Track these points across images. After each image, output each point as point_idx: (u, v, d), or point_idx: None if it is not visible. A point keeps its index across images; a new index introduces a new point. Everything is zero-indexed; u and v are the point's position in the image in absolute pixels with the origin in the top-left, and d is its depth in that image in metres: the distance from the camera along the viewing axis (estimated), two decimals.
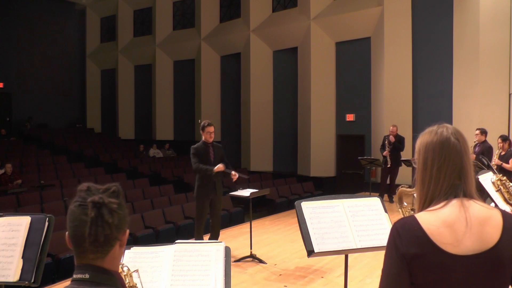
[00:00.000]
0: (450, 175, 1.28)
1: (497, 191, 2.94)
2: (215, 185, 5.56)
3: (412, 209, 2.11)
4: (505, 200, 2.90)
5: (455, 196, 1.27)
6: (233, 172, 5.52)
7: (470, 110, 9.74)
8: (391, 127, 9.43)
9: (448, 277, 1.20)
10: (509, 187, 2.96)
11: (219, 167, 5.39)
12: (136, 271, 1.68)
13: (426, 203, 1.31)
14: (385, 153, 9.36)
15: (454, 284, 1.21)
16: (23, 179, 9.77)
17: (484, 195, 2.94)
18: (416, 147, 1.37)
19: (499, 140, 6.96)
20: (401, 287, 1.23)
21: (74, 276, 1.13)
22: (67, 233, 1.15)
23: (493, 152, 7.18)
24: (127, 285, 1.54)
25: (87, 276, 1.12)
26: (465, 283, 1.21)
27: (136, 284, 1.60)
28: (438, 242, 1.21)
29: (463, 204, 1.26)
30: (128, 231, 1.21)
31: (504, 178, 3.04)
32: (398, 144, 9.29)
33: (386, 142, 9.36)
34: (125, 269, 1.57)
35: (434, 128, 1.35)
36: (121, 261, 1.30)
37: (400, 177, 9.82)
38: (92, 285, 1.11)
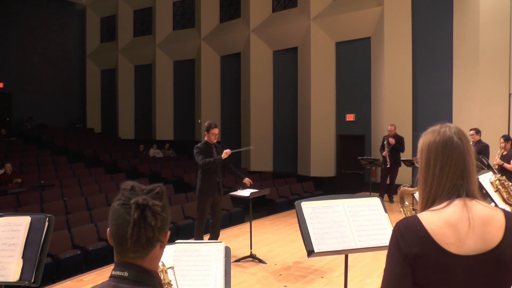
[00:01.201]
0: (453, 175, 1.27)
1: (495, 191, 2.94)
2: (219, 185, 5.57)
3: (414, 209, 2.11)
4: (504, 200, 2.90)
5: (458, 196, 1.27)
6: (246, 179, 5.73)
7: (470, 110, 9.74)
8: (389, 127, 9.44)
9: (450, 277, 1.20)
10: (508, 186, 2.96)
11: (227, 152, 5.41)
12: (172, 268, 1.68)
13: (429, 203, 1.30)
14: (384, 153, 9.36)
15: (457, 284, 1.20)
16: (23, 179, 9.77)
17: (486, 195, 2.94)
18: (418, 147, 1.36)
19: (502, 140, 6.99)
20: (403, 287, 1.22)
21: (113, 273, 1.14)
22: (108, 229, 1.16)
23: (489, 150, 7.26)
24: (162, 281, 1.55)
25: (126, 274, 1.12)
26: (467, 283, 1.21)
27: (170, 280, 1.60)
28: (441, 242, 1.21)
29: (465, 204, 1.25)
30: (169, 232, 1.21)
31: (503, 178, 3.04)
32: (398, 145, 9.30)
33: (385, 142, 9.36)
34: (160, 264, 1.56)
35: (437, 127, 1.34)
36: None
37: (400, 177, 9.82)
38: (131, 284, 1.11)
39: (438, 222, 1.23)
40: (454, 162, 1.28)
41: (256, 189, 6.20)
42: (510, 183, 3.02)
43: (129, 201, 1.13)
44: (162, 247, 1.19)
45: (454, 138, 1.29)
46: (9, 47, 17.06)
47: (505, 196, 2.92)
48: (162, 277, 1.56)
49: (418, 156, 1.37)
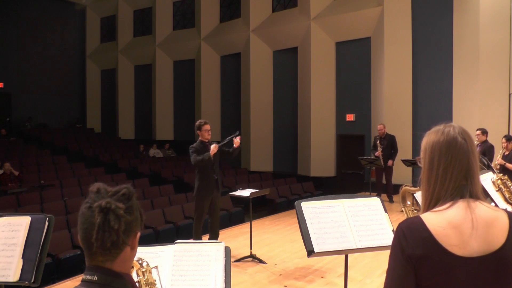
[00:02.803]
0: (456, 175, 1.26)
1: (497, 190, 2.95)
2: (217, 182, 5.56)
3: (415, 209, 2.11)
4: (506, 199, 2.90)
5: (461, 196, 1.26)
6: (235, 140, 5.54)
7: (470, 110, 9.74)
8: (379, 126, 9.45)
9: (453, 278, 1.19)
10: (510, 186, 2.96)
11: (213, 149, 5.38)
12: (156, 267, 1.68)
13: (432, 203, 1.29)
14: (377, 153, 9.38)
15: (460, 286, 1.20)
16: (23, 179, 9.77)
17: (486, 195, 2.95)
18: (422, 146, 1.35)
19: (503, 140, 6.99)
20: None
21: (84, 277, 1.14)
22: (79, 233, 1.15)
23: (494, 151, 7.24)
24: (145, 281, 1.54)
25: (95, 278, 1.12)
26: (470, 285, 1.20)
27: (155, 280, 1.60)
28: (444, 244, 1.20)
29: (469, 205, 1.24)
30: (139, 234, 1.19)
31: (505, 177, 3.04)
32: (390, 146, 9.34)
33: (377, 142, 9.39)
34: (144, 264, 1.56)
35: (440, 127, 1.33)
36: (134, 260, 1.29)
37: (400, 177, 9.83)
38: (100, 287, 1.11)
39: (441, 223, 1.22)
40: (458, 163, 1.27)
41: (256, 189, 6.20)
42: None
43: (94, 204, 1.11)
44: (134, 249, 1.18)
45: (458, 138, 1.28)
46: (9, 47, 17.05)
47: (507, 195, 2.93)
48: (145, 277, 1.55)
49: (421, 156, 1.35)
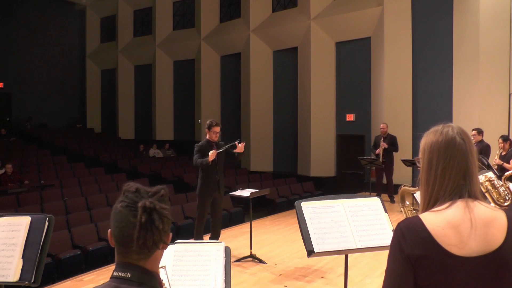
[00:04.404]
0: (455, 175, 1.27)
1: (485, 192, 2.94)
2: (219, 183, 5.56)
3: (414, 209, 2.10)
4: (494, 200, 2.90)
5: (460, 196, 1.26)
6: (238, 144, 5.53)
7: (470, 110, 9.75)
8: (381, 125, 9.45)
9: (452, 278, 1.19)
10: (498, 187, 2.96)
11: (211, 155, 5.33)
12: (164, 267, 1.68)
13: (431, 203, 1.29)
14: (378, 151, 9.38)
15: (458, 286, 1.20)
16: (23, 179, 9.77)
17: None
18: (420, 146, 1.35)
19: (500, 140, 7.01)
20: None
21: (115, 273, 1.14)
22: (109, 230, 1.16)
23: (490, 151, 7.27)
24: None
25: (128, 275, 1.12)
26: (469, 285, 1.20)
27: (162, 280, 1.60)
28: (443, 244, 1.20)
29: (468, 205, 1.24)
30: (171, 234, 1.21)
31: (493, 177, 3.03)
32: (392, 147, 9.34)
33: (381, 140, 9.39)
34: None
35: (439, 127, 1.33)
36: None
37: (400, 177, 9.83)
38: (135, 285, 1.12)
39: (440, 223, 1.22)
40: (457, 163, 1.27)
41: (256, 189, 6.20)
42: (500, 183, 3.02)
43: (134, 203, 1.12)
44: (164, 248, 1.20)
45: (457, 139, 1.28)
46: (9, 47, 17.06)
47: (495, 196, 2.92)
48: None
49: (420, 156, 1.35)
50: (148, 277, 1.14)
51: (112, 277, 1.14)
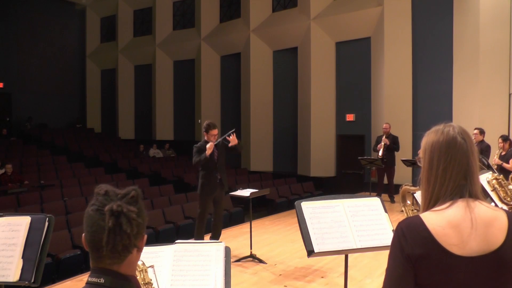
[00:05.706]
0: (456, 175, 1.26)
1: (492, 190, 2.94)
2: (220, 182, 5.55)
3: (415, 209, 2.10)
4: (500, 199, 2.90)
5: (461, 196, 1.26)
6: (228, 137, 5.50)
7: (470, 110, 9.75)
8: (384, 125, 9.44)
9: (452, 278, 1.19)
10: (505, 185, 2.96)
11: (208, 147, 5.33)
12: (152, 266, 1.68)
13: (431, 203, 1.29)
14: (379, 146, 9.37)
15: (459, 285, 1.20)
16: (23, 179, 9.77)
17: (486, 195, 2.95)
18: (421, 146, 1.35)
19: (500, 140, 7.01)
20: (405, 287, 1.22)
21: (89, 279, 1.12)
22: (83, 235, 1.13)
23: (490, 151, 7.28)
24: (142, 280, 1.54)
25: (102, 280, 1.10)
26: (469, 285, 1.20)
27: (151, 279, 1.60)
28: (443, 243, 1.20)
29: (468, 204, 1.24)
30: (145, 236, 1.18)
31: (500, 176, 3.04)
32: (393, 145, 9.33)
33: (383, 138, 9.39)
34: (140, 263, 1.55)
35: (440, 127, 1.33)
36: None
37: (400, 176, 9.83)
38: None
39: (441, 223, 1.22)
40: (458, 162, 1.27)
41: (256, 189, 6.19)
42: (507, 182, 3.03)
43: (103, 207, 1.09)
44: (139, 252, 1.17)
45: (458, 138, 1.28)
46: (9, 47, 17.06)
47: (502, 195, 2.93)
48: (142, 277, 1.55)
49: (421, 156, 1.35)
50: (122, 282, 1.12)
51: (87, 282, 1.13)
